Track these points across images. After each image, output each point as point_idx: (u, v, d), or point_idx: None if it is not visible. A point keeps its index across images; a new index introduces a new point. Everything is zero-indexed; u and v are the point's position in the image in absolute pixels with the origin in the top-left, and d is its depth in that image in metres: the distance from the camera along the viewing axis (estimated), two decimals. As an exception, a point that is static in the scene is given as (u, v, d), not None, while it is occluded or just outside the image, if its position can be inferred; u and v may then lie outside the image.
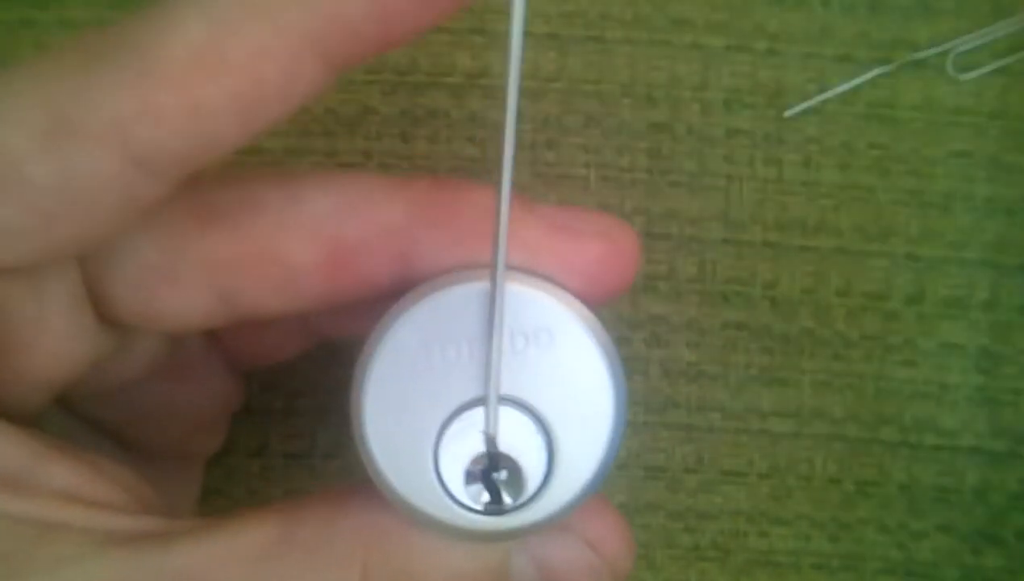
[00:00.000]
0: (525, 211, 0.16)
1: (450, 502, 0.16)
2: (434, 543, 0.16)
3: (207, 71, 0.14)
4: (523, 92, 0.25)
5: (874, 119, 0.25)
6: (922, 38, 0.25)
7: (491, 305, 0.15)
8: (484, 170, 0.25)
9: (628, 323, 0.25)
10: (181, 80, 0.14)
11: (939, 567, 0.25)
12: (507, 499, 0.16)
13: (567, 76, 0.25)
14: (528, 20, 0.25)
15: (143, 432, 0.21)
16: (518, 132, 0.25)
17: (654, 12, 0.25)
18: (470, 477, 0.16)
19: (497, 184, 0.15)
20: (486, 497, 0.16)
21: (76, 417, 0.20)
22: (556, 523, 0.16)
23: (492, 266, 0.15)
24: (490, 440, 0.16)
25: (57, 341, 0.17)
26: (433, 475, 0.16)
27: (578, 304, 0.16)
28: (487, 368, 0.15)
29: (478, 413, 0.16)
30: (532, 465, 0.16)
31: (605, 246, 0.17)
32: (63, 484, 0.15)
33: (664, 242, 0.25)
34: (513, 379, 0.16)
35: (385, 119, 0.25)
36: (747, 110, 0.25)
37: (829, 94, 0.25)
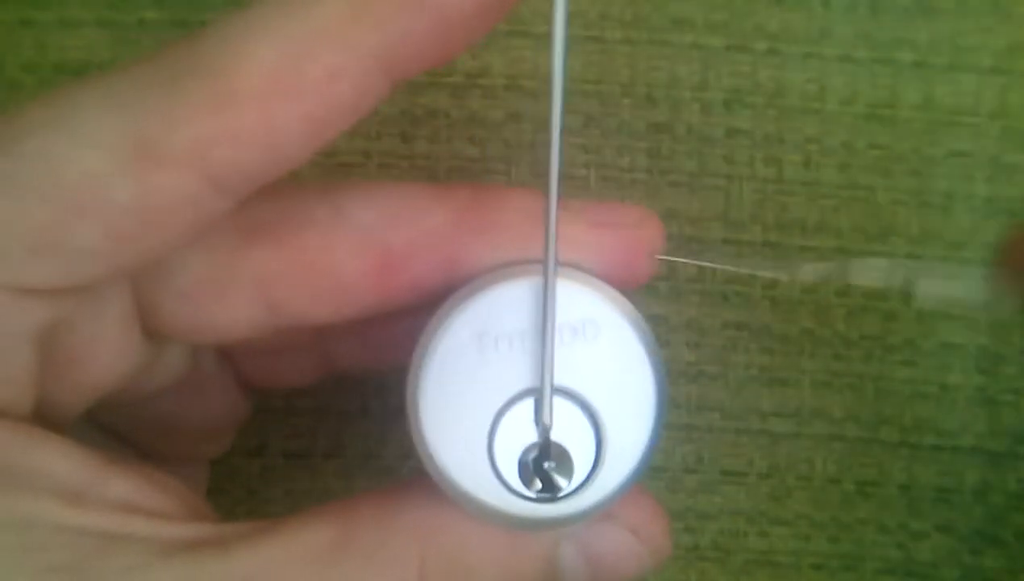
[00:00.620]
0: (563, 209, 0.17)
1: (504, 491, 0.16)
2: (487, 537, 0.16)
3: (285, 94, 0.14)
4: (523, 92, 0.25)
5: (874, 119, 0.25)
6: (922, 38, 0.25)
7: (544, 299, 0.16)
8: (484, 170, 0.25)
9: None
10: (260, 103, 0.14)
11: (939, 567, 0.25)
12: (559, 487, 0.16)
13: (567, 76, 0.25)
14: (530, 20, 0.25)
15: (151, 438, 0.21)
16: (519, 131, 0.25)
17: (654, 12, 0.25)
18: (523, 466, 0.16)
19: (545, 182, 0.16)
20: (538, 485, 0.16)
21: (88, 420, 0.20)
22: (604, 509, 0.16)
23: (544, 262, 0.16)
24: (544, 430, 0.16)
25: (110, 355, 0.17)
26: (487, 465, 0.16)
27: (620, 297, 0.17)
28: (542, 360, 0.16)
29: (529, 404, 0.16)
30: (581, 454, 0.16)
31: (639, 236, 0.18)
32: (122, 496, 0.16)
33: (664, 242, 0.25)
34: (562, 370, 0.16)
35: (385, 119, 0.25)
36: (747, 110, 0.25)
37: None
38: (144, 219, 0.14)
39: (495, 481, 0.16)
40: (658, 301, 0.25)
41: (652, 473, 0.25)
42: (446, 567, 0.16)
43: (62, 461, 0.15)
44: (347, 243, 0.17)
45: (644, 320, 0.17)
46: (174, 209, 0.15)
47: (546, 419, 0.16)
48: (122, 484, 0.16)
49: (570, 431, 0.16)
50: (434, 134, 0.25)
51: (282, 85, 0.14)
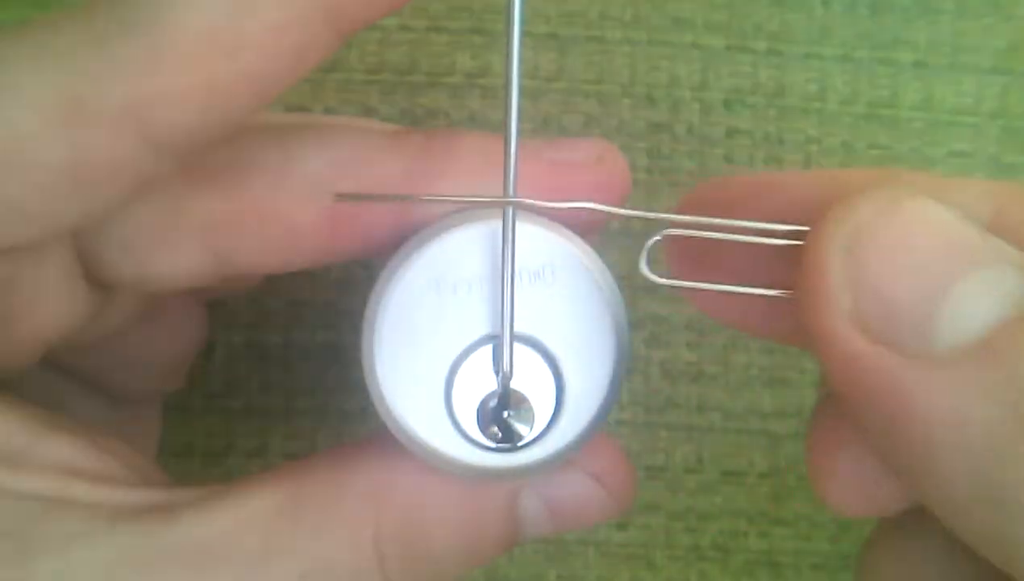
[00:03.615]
0: (520, 149, 0.16)
1: (463, 440, 0.16)
2: (445, 492, 0.16)
3: (225, 51, 0.13)
4: (523, 92, 0.25)
5: (874, 119, 0.25)
6: (922, 38, 0.25)
7: (504, 244, 0.15)
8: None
9: (628, 323, 0.25)
10: (199, 61, 0.13)
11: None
12: (518, 435, 0.16)
13: (567, 76, 0.25)
14: (530, 21, 0.25)
15: (109, 376, 0.20)
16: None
17: (654, 12, 0.25)
18: (482, 415, 0.16)
19: (505, 126, 0.15)
20: (498, 434, 0.16)
21: (43, 364, 0.19)
22: (565, 458, 0.16)
23: (504, 205, 0.15)
24: (504, 378, 0.16)
25: (53, 308, 0.16)
26: (446, 414, 0.16)
27: (579, 240, 0.16)
28: (501, 306, 0.15)
29: (487, 351, 0.16)
30: (541, 401, 0.16)
31: (600, 174, 0.17)
32: (64, 459, 0.15)
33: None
34: (521, 316, 0.16)
35: (385, 119, 0.25)
36: (747, 110, 0.25)
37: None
38: (77, 179, 0.14)
39: (454, 431, 0.16)
40: (658, 301, 0.25)
41: (652, 473, 0.25)
42: (402, 526, 0.16)
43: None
44: (297, 192, 0.16)
45: (604, 264, 0.16)
46: (110, 170, 0.14)
47: (505, 366, 0.16)
48: (64, 447, 0.15)
49: (529, 378, 0.16)
50: (434, 134, 0.25)
51: (222, 42, 0.13)
